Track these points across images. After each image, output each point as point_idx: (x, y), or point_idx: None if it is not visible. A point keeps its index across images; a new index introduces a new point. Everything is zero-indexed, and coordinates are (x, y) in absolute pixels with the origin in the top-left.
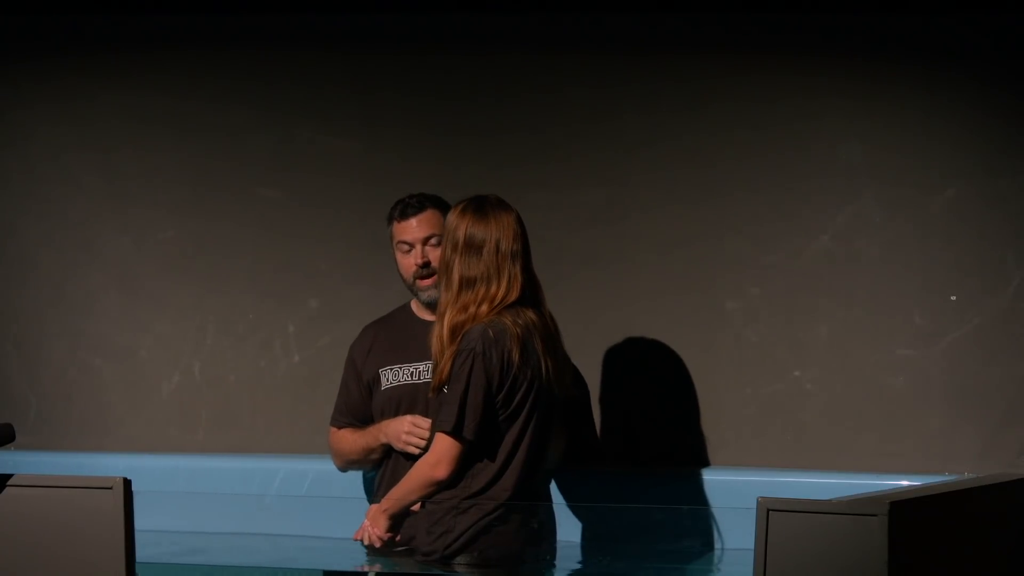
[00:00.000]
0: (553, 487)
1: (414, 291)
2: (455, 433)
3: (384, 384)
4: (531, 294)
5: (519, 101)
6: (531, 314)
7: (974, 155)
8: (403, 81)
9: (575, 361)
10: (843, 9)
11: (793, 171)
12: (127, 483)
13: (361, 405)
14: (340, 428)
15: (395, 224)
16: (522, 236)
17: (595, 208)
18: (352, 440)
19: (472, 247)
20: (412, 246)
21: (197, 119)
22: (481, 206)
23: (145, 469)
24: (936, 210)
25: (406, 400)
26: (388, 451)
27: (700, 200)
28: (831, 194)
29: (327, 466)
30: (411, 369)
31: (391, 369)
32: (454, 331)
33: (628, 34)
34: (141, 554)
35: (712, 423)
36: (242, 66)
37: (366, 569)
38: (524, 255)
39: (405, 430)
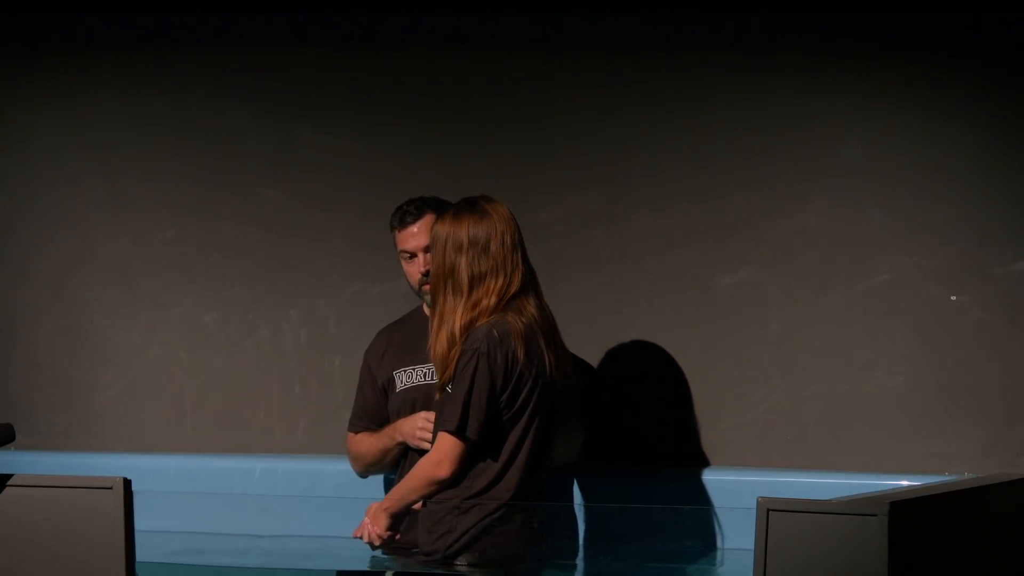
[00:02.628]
0: (558, 486)
1: (421, 296)
2: (458, 433)
3: (399, 386)
4: (531, 280)
5: (519, 101)
6: (532, 308)
7: (974, 155)
8: (403, 81)
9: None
10: (843, 9)
11: (793, 171)
12: (127, 483)
13: (377, 408)
14: (357, 432)
15: (396, 233)
16: (518, 227)
17: (595, 208)
18: (369, 443)
19: (478, 244)
20: (414, 254)
21: (197, 119)
22: (475, 205)
23: (145, 469)
24: (936, 210)
25: (421, 401)
26: (405, 451)
27: (700, 200)
28: (831, 194)
29: (327, 466)
30: (425, 370)
31: (405, 371)
32: (466, 328)
33: (628, 34)
34: (141, 554)
35: (712, 423)
36: (242, 66)
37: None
38: (522, 244)
39: (419, 426)
